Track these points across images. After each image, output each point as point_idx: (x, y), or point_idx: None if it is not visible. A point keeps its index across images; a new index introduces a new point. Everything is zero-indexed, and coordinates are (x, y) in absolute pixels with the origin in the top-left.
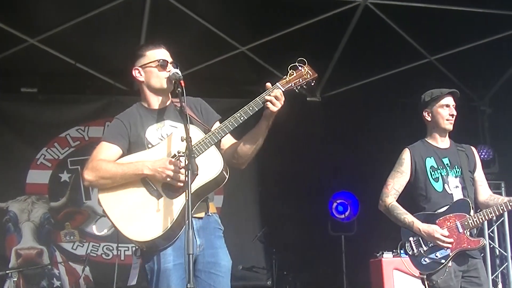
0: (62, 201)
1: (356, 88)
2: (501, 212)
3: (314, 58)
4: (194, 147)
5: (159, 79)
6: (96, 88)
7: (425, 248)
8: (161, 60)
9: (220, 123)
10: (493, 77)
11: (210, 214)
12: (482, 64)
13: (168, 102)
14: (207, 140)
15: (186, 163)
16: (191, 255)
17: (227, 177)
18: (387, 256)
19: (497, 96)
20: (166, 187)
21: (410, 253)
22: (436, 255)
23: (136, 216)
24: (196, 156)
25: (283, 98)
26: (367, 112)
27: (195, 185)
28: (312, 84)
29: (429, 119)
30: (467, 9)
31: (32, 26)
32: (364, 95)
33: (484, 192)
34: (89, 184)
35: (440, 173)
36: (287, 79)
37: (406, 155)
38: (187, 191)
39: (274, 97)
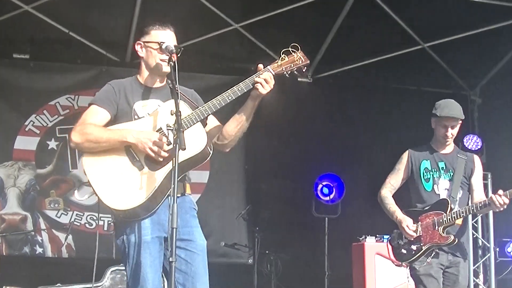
0: (48, 169)
1: (347, 71)
2: (471, 212)
3: (307, 38)
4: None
5: (156, 60)
6: (88, 57)
7: (405, 241)
8: (162, 43)
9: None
10: (485, 68)
11: (186, 195)
12: (474, 54)
13: (163, 83)
14: (193, 117)
15: (175, 137)
16: (174, 229)
17: (211, 153)
18: (370, 241)
19: (488, 86)
20: (148, 159)
21: (393, 243)
22: (412, 247)
23: (117, 185)
24: (182, 131)
25: (273, 82)
26: (357, 96)
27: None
28: (304, 70)
29: (433, 127)
30: None
31: None
32: (355, 78)
33: (477, 196)
34: (75, 146)
35: (432, 175)
36: (278, 63)
37: (405, 156)
38: (174, 165)
39: (264, 80)
